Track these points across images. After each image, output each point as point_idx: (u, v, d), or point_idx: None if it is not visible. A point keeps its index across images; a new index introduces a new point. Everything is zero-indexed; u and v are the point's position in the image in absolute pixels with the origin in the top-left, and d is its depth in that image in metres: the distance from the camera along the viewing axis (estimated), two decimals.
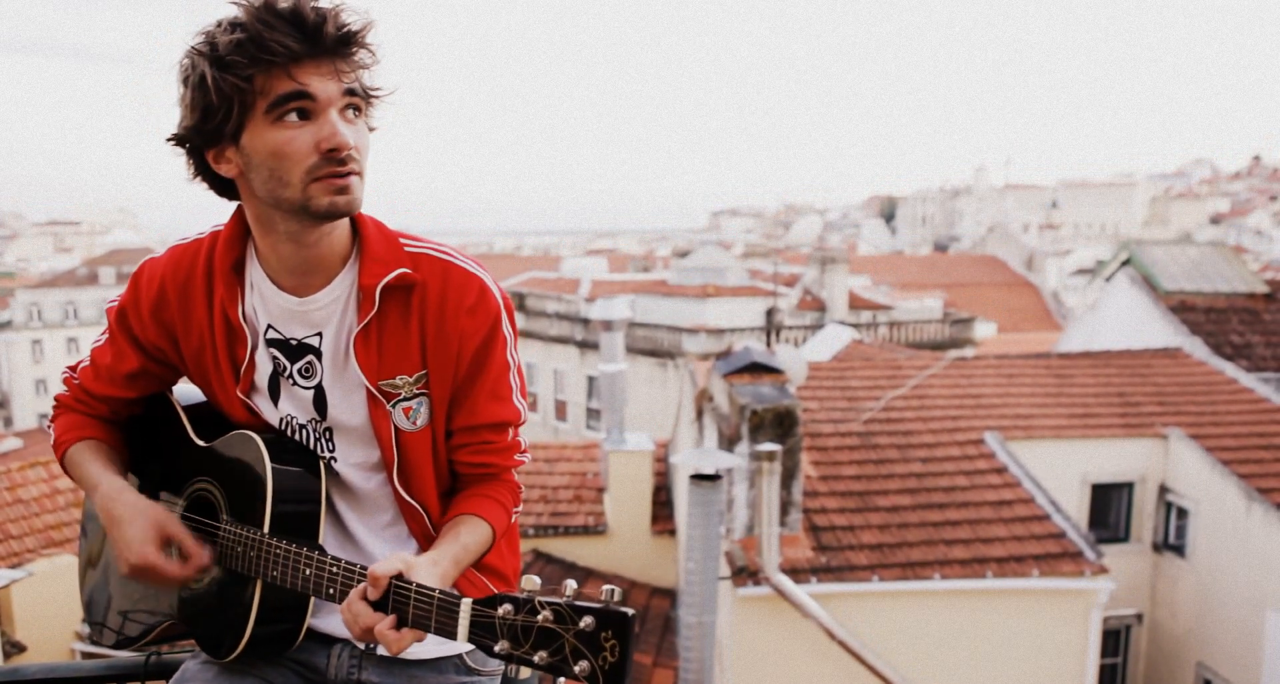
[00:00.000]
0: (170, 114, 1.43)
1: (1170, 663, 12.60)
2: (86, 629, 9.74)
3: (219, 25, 1.35)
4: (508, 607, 1.21)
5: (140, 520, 1.52)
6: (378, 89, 1.45)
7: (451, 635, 1.27)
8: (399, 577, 1.33)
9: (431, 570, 1.37)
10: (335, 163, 1.38)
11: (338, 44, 1.36)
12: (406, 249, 1.54)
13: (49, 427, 1.73)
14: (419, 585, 1.31)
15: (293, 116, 1.37)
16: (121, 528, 1.52)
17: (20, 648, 9.36)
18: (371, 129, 1.48)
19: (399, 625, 1.32)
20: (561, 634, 1.18)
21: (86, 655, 9.81)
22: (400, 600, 1.32)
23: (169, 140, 1.43)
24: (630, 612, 1.17)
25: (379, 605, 1.34)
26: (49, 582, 9.83)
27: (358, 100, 1.41)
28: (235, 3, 1.35)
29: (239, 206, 1.52)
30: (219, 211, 1.60)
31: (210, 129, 1.39)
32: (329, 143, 1.37)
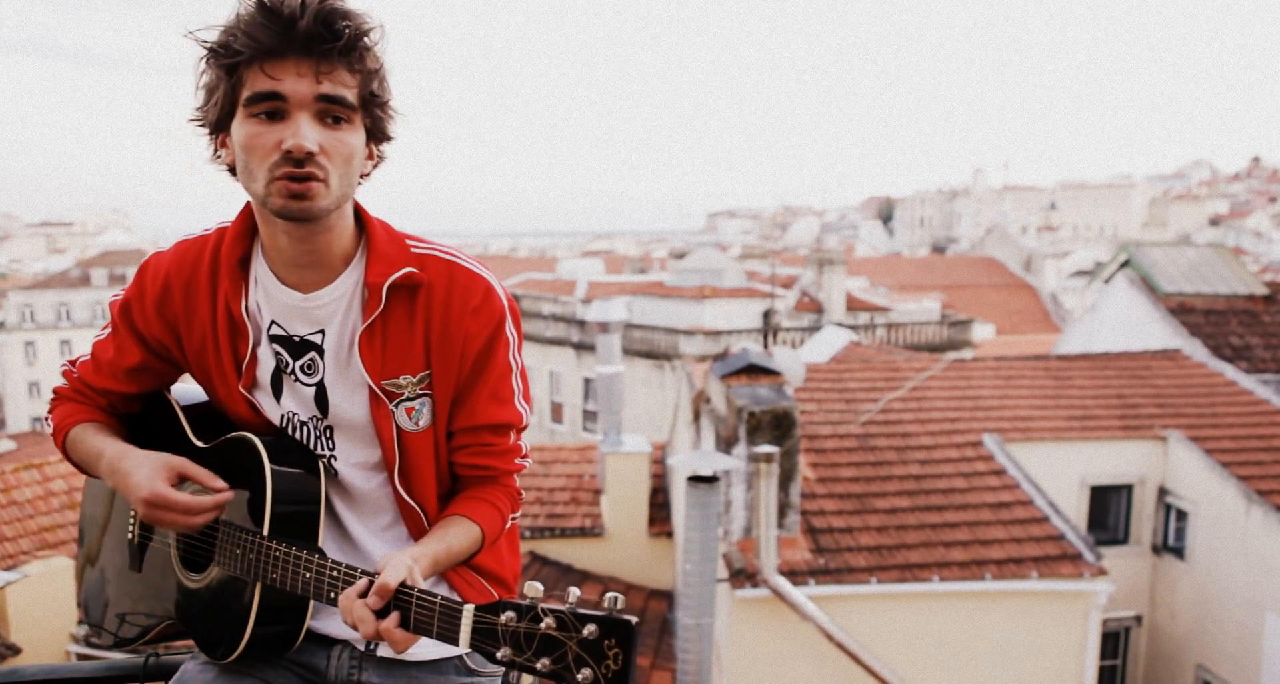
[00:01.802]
0: (166, 115, 1.46)
1: (1170, 665, 12.60)
2: (82, 631, 9.72)
3: (228, 14, 1.38)
4: (510, 614, 1.20)
5: (146, 464, 1.51)
6: (375, 98, 1.42)
7: (454, 642, 1.26)
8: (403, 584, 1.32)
9: (415, 567, 1.36)
10: (293, 164, 1.37)
11: (313, 42, 1.34)
12: (413, 250, 1.54)
13: (47, 418, 1.72)
14: (421, 591, 1.30)
15: (264, 113, 1.37)
16: (130, 476, 1.51)
17: (16, 650, 9.33)
18: (386, 138, 1.47)
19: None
20: (564, 642, 1.17)
21: (82, 657, 9.79)
22: (402, 604, 1.31)
23: (194, 116, 1.46)
24: (634, 619, 1.16)
25: (381, 609, 1.33)
26: (44, 583, 9.83)
27: (337, 109, 1.39)
28: None
29: (247, 202, 1.53)
30: (214, 212, 1.61)
31: (207, 116, 1.43)
32: (287, 144, 1.36)
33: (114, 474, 1.54)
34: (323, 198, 1.40)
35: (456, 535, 1.52)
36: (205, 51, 1.39)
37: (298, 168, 1.37)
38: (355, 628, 1.32)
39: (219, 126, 1.43)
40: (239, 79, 1.37)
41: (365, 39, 1.38)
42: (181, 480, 1.52)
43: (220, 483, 1.52)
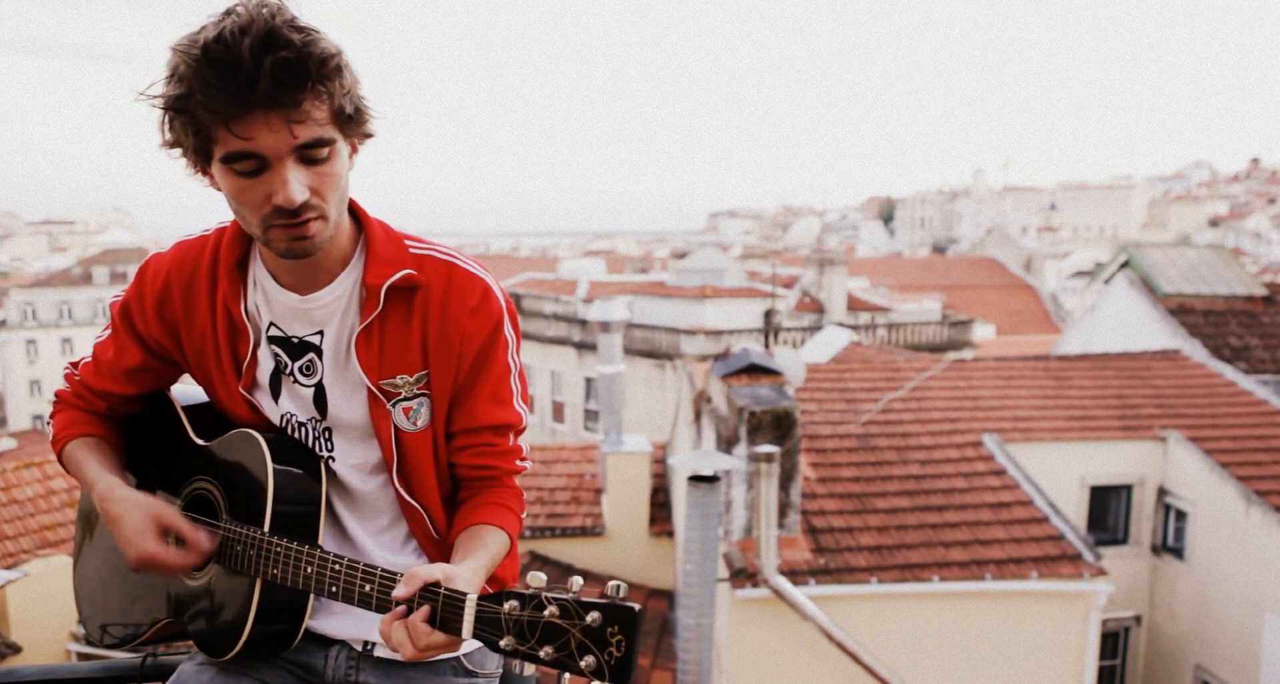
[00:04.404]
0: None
1: (1169, 665, 12.60)
2: (82, 630, 9.72)
3: (170, 69, 1.31)
4: (513, 602, 1.20)
5: (136, 514, 1.51)
6: (350, 117, 1.39)
7: (456, 632, 1.26)
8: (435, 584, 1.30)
9: (472, 580, 1.35)
10: (288, 216, 1.36)
11: (279, 96, 1.29)
12: (411, 251, 1.54)
13: (48, 423, 1.73)
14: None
15: (244, 168, 1.34)
16: (119, 525, 1.51)
17: (16, 649, 9.33)
18: (366, 136, 1.45)
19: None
20: (567, 630, 1.17)
21: (82, 656, 9.79)
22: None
23: (163, 147, 1.41)
24: (637, 607, 1.16)
25: (384, 602, 1.34)
26: (44, 582, 9.82)
27: (315, 151, 1.36)
28: (175, 48, 1.30)
29: None
30: (215, 212, 1.60)
31: (182, 155, 1.40)
32: (277, 200, 1.34)
33: (104, 515, 1.54)
34: (323, 232, 1.41)
35: (495, 545, 1.51)
36: (162, 112, 1.34)
37: (293, 218, 1.37)
38: (398, 650, 1.30)
39: (196, 164, 1.40)
40: (207, 136, 1.33)
41: (327, 69, 1.32)
42: (165, 532, 1.52)
43: (203, 537, 1.52)
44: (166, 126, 1.36)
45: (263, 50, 1.26)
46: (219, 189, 1.41)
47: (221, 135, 1.31)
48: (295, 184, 1.34)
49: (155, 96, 1.33)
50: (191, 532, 1.53)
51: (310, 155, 1.35)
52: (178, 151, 1.39)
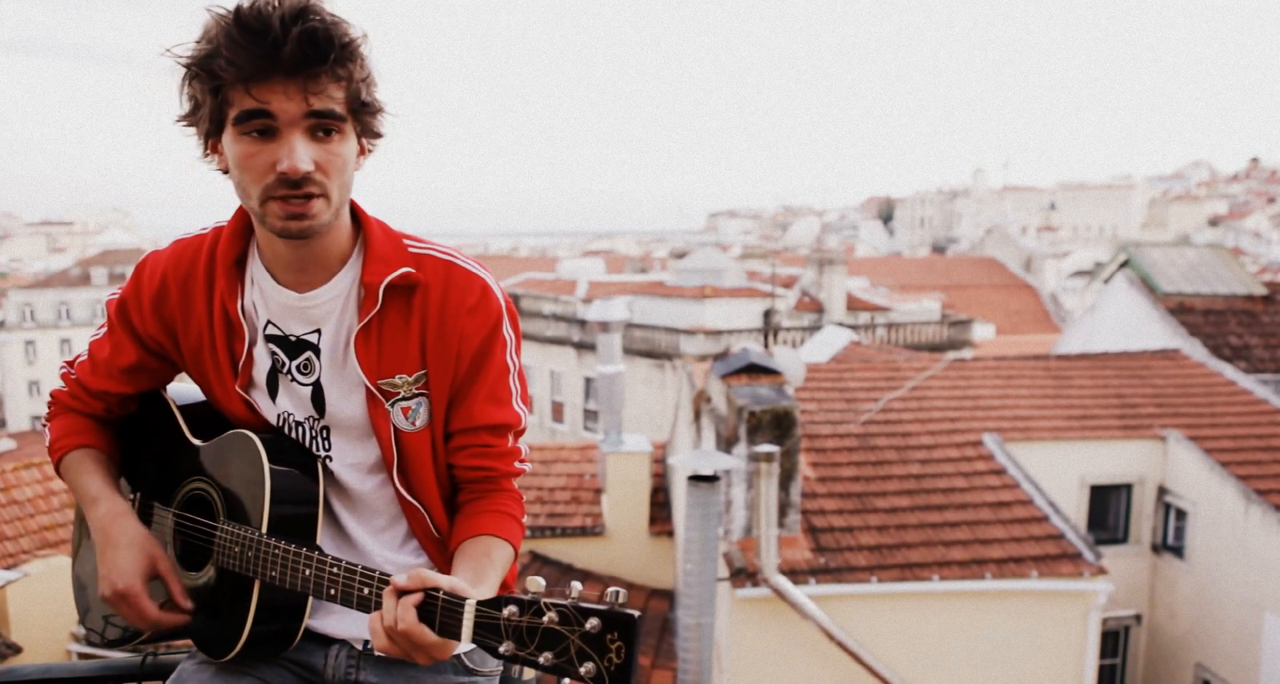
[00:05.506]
0: (167, 114, 1.44)
1: (1169, 664, 12.60)
2: (82, 630, 9.72)
3: (201, 33, 1.35)
4: (513, 608, 1.20)
5: (136, 550, 1.53)
6: (365, 105, 1.41)
7: (456, 636, 1.25)
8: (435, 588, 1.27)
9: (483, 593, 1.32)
10: (289, 186, 1.37)
11: (300, 64, 1.32)
12: (410, 250, 1.53)
13: (44, 426, 1.72)
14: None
15: (255, 132, 1.35)
16: (116, 551, 1.52)
17: (16, 649, 9.34)
18: (375, 136, 1.46)
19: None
20: (567, 636, 1.16)
21: (82, 656, 9.79)
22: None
23: (179, 121, 1.43)
24: (636, 613, 1.16)
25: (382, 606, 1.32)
26: (44, 582, 9.83)
27: (328, 122, 1.37)
28: (210, 9, 1.34)
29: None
30: (214, 211, 1.60)
31: (195, 126, 1.42)
32: (282, 166, 1.35)
33: (102, 535, 1.55)
34: (323, 214, 1.41)
35: (501, 559, 1.51)
36: (185, 70, 1.37)
37: (295, 189, 1.37)
38: (381, 634, 1.28)
39: (209, 135, 1.41)
40: (225, 98, 1.35)
41: (350, 50, 1.36)
42: (153, 577, 1.53)
43: (187, 602, 1.55)
44: (185, 89, 1.39)
45: (293, 20, 1.31)
46: (225, 169, 1.42)
47: (238, 96, 1.34)
48: (302, 152, 1.36)
49: (181, 54, 1.37)
50: (179, 590, 1.55)
51: (322, 125, 1.37)
52: (191, 125, 1.41)
